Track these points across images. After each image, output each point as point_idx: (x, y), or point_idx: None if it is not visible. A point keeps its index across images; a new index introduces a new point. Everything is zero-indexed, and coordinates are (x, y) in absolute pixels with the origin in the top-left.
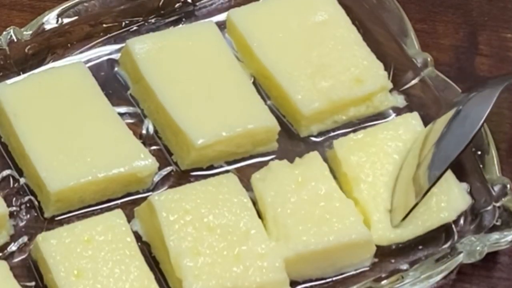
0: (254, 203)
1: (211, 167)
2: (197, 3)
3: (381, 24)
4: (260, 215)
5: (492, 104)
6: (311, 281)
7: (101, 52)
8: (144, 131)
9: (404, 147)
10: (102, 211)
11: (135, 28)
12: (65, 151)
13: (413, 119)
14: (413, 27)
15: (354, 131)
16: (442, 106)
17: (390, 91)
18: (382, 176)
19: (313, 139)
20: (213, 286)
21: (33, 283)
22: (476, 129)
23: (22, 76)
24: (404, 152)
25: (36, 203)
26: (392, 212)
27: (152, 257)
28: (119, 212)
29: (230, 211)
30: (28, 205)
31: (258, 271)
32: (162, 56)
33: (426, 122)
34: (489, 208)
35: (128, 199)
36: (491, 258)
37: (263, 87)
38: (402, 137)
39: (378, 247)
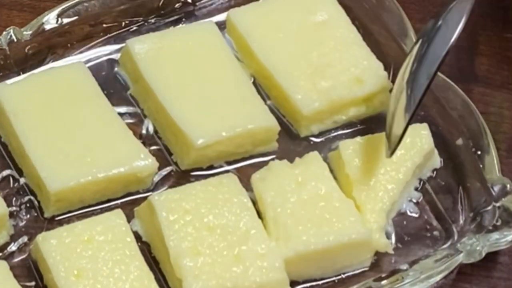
0: (254, 203)
1: (211, 167)
2: (197, 3)
3: (381, 24)
4: (260, 215)
5: (466, 14)
6: (311, 281)
7: (101, 52)
8: (144, 131)
9: (409, 157)
10: (102, 211)
11: (135, 28)
12: (65, 151)
13: (422, 129)
14: (413, 27)
15: (354, 131)
16: (443, 106)
17: (390, 91)
18: (385, 182)
19: (313, 139)
20: (213, 286)
21: (33, 283)
22: (451, 42)
23: (22, 76)
24: (409, 162)
25: (36, 203)
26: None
27: (152, 257)
28: (119, 212)
29: (230, 211)
30: (28, 205)
31: (258, 271)
32: (162, 56)
33: (427, 123)
34: (489, 208)
35: (128, 199)
36: (491, 258)
37: (263, 87)
38: (409, 146)
39: None
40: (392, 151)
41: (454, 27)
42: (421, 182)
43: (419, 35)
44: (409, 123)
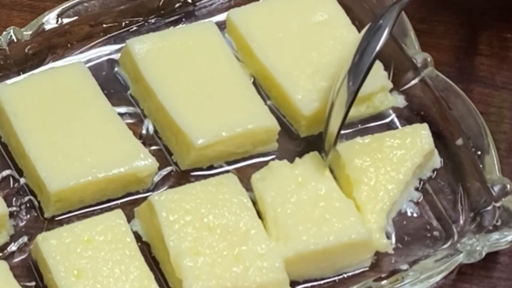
0: (254, 203)
1: (211, 167)
2: (197, 3)
3: None
4: (260, 215)
5: (396, 14)
6: (311, 281)
7: (101, 52)
8: (144, 131)
9: (410, 157)
10: (102, 211)
11: (135, 28)
12: (65, 151)
13: (422, 129)
14: (413, 27)
15: (354, 131)
16: (443, 106)
17: (390, 91)
18: (385, 182)
19: (313, 139)
20: (213, 286)
21: (33, 283)
22: (382, 39)
23: (22, 76)
24: (409, 162)
25: (36, 203)
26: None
27: (152, 257)
28: (119, 212)
29: (230, 211)
30: (28, 205)
31: (258, 271)
32: (162, 56)
33: (427, 123)
34: (489, 208)
35: (128, 199)
36: (491, 258)
37: (263, 87)
38: (409, 146)
39: None
40: (327, 153)
41: (389, 20)
42: (421, 182)
43: (369, 24)
44: (345, 118)
